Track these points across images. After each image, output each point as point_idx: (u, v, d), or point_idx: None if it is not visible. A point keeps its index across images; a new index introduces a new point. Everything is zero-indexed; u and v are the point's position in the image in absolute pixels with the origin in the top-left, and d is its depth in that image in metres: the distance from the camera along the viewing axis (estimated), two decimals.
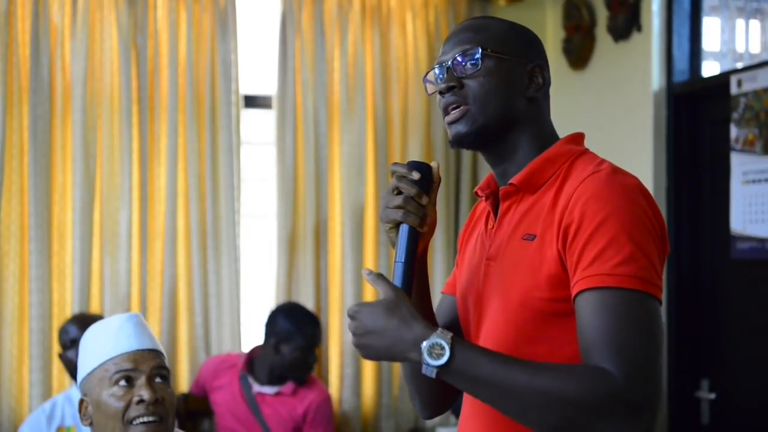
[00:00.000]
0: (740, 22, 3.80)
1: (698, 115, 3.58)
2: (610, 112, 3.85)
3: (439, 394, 1.65)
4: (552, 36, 4.25)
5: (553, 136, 1.56)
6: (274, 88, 3.91)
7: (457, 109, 1.50)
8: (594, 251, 1.33)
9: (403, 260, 1.46)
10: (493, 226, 1.53)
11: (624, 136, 3.75)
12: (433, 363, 1.30)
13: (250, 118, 3.99)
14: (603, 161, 1.47)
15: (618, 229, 1.34)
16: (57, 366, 3.55)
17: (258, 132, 4.05)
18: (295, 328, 3.48)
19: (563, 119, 4.14)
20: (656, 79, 3.64)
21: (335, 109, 3.95)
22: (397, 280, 1.45)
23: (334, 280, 3.94)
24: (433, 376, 1.30)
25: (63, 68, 3.62)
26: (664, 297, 3.65)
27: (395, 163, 1.50)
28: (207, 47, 3.78)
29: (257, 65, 4.01)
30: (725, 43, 3.75)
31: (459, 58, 1.50)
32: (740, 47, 3.78)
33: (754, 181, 3.20)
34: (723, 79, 3.38)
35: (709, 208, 3.53)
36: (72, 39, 3.61)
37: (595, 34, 3.95)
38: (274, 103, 3.91)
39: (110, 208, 3.66)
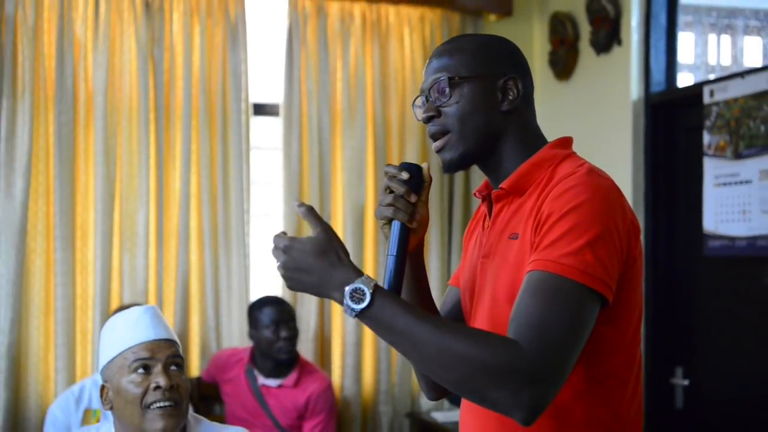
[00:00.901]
0: (712, 37, 3.82)
1: (674, 123, 3.59)
2: (593, 120, 3.86)
3: None
4: (539, 49, 4.25)
5: (539, 140, 1.53)
6: (281, 97, 3.91)
7: (440, 139, 1.49)
8: (550, 239, 1.31)
9: (394, 253, 1.46)
10: (488, 226, 1.53)
11: (605, 142, 3.76)
12: (352, 306, 1.29)
13: (258, 124, 3.99)
14: (584, 163, 1.45)
15: (576, 222, 1.31)
16: (80, 353, 3.57)
17: (266, 138, 4.04)
18: (258, 312, 3.50)
19: (550, 126, 4.14)
20: (635, 89, 3.64)
21: (338, 117, 3.95)
22: (389, 272, 1.45)
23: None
24: (352, 317, 1.30)
25: (86, 79, 3.62)
26: (644, 290, 3.66)
27: (388, 165, 1.50)
28: (219, 59, 3.78)
29: (265, 75, 4.01)
30: (698, 56, 3.76)
31: (433, 89, 1.49)
32: (712, 60, 3.79)
33: (725, 184, 3.20)
34: (696, 89, 3.38)
35: (683, 209, 3.53)
36: (94, 52, 3.61)
37: (578, 48, 3.95)
38: (281, 111, 3.91)
39: (129, 208, 3.66)
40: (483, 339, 1.27)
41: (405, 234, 1.48)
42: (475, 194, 1.59)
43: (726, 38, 3.95)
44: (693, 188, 3.41)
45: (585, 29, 3.89)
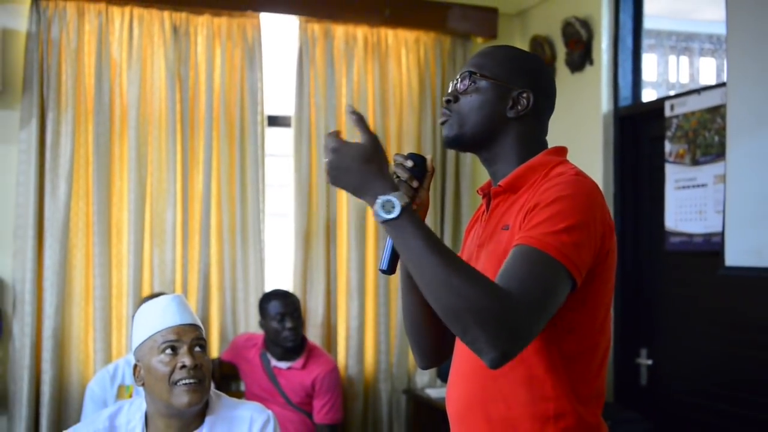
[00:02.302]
0: (672, 58, 3.83)
1: (639, 133, 3.59)
2: (567, 130, 3.85)
3: (435, 345, 1.62)
4: None
5: (538, 147, 1.52)
6: (292, 110, 3.90)
7: (446, 116, 1.52)
8: (535, 221, 1.32)
9: None
10: (485, 220, 1.53)
11: (578, 150, 3.74)
12: (381, 214, 1.27)
13: (272, 134, 3.98)
14: (574, 168, 1.45)
15: (560, 210, 1.32)
16: (116, 337, 3.58)
17: (279, 146, 4.03)
18: (266, 304, 3.47)
19: None
20: (605, 103, 3.65)
21: (343, 128, 3.94)
22: (388, 250, 1.43)
23: (342, 268, 3.93)
24: (380, 222, 1.28)
25: (121, 94, 3.62)
26: (616, 280, 3.66)
27: (397, 154, 1.50)
28: (237, 76, 3.78)
29: (279, 91, 3.99)
30: (660, 74, 3.77)
31: (458, 78, 1.52)
32: (672, 78, 3.81)
33: (684, 187, 3.21)
34: (659, 104, 3.39)
35: (647, 209, 3.54)
36: (128, 70, 3.62)
37: (555, 67, 3.95)
38: (293, 122, 3.90)
39: (158, 208, 3.66)
40: (481, 280, 1.24)
41: None
42: (477, 191, 1.59)
43: (684, 59, 3.97)
44: (656, 191, 3.42)
45: (561, 50, 3.89)
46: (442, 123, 1.52)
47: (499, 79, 1.48)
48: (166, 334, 1.90)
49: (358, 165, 1.30)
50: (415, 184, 1.48)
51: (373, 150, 1.31)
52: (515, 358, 1.26)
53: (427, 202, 1.53)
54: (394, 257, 1.43)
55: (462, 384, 1.49)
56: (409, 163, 1.48)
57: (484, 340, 1.21)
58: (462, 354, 1.50)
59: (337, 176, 1.32)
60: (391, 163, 1.46)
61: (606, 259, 1.38)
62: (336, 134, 1.34)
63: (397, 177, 1.47)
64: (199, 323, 1.99)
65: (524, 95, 1.49)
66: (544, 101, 1.53)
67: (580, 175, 1.41)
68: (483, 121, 1.49)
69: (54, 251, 3.47)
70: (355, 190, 1.31)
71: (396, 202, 1.26)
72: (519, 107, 1.49)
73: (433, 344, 1.62)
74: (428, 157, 1.51)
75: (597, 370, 1.43)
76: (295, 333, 3.44)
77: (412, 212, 1.28)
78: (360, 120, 1.33)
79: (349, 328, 3.91)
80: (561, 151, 1.54)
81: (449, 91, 1.54)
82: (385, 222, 1.27)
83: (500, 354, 1.22)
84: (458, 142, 1.52)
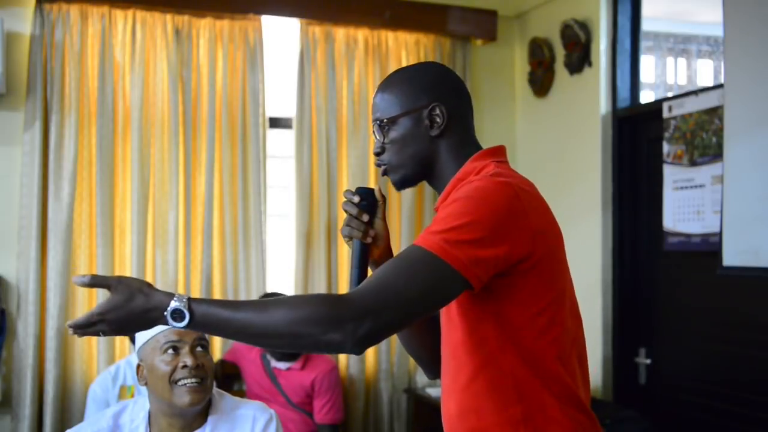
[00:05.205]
0: (670, 60, 3.83)
1: (637, 134, 3.59)
2: (567, 132, 3.87)
3: (434, 356, 1.60)
4: (519, 70, 4.27)
5: (472, 151, 1.48)
6: (293, 112, 3.90)
7: (383, 168, 1.51)
8: (431, 224, 1.32)
9: (357, 266, 1.48)
10: None
11: (578, 151, 3.77)
12: (179, 325, 1.25)
13: (273, 136, 3.98)
14: (494, 170, 1.40)
15: (451, 211, 1.30)
16: (119, 337, 3.55)
17: (280, 148, 4.03)
18: None
19: (529, 137, 4.21)
20: (603, 105, 3.65)
21: (344, 129, 3.95)
22: (353, 282, 1.46)
23: (342, 268, 3.93)
24: (186, 329, 1.28)
25: (124, 96, 3.63)
26: (609, 281, 3.65)
27: (346, 190, 1.50)
28: (239, 79, 3.78)
29: (280, 93, 4.00)
30: (658, 76, 3.77)
31: (374, 131, 1.50)
32: (670, 80, 3.81)
33: (682, 188, 3.22)
34: (657, 105, 3.39)
35: (646, 209, 3.54)
36: (131, 73, 3.62)
37: (554, 69, 3.96)
38: (294, 124, 3.91)
39: (161, 209, 3.66)
40: (300, 300, 1.25)
41: (363, 249, 1.49)
42: (435, 209, 1.58)
43: (682, 61, 3.97)
44: (654, 191, 3.43)
45: (560, 53, 3.90)
46: (384, 174, 1.51)
47: (404, 110, 1.46)
48: (168, 334, 1.91)
49: (128, 310, 1.25)
50: (365, 218, 1.49)
51: (126, 289, 1.26)
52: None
53: (385, 232, 1.53)
54: (361, 279, 1.46)
55: (444, 399, 1.50)
56: (356, 199, 1.49)
57: (334, 339, 1.22)
58: (444, 369, 1.50)
59: (125, 332, 1.28)
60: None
61: (531, 260, 1.33)
62: (91, 314, 1.26)
63: (348, 214, 1.48)
64: None
65: (436, 109, 1.46)
66: (458, 102, 1.49)
67: (495, 175, 1.37)
68: (417, 155, 1.47)
69: (57, 252, 3.47)
70: (146, 327, 1.28)
71: (180, 306, 1.24)
72: (437, 122, 1.46)
73: (431, 355, 1.62)
74: (375, 187, 1.52)
75: (562, 367, 1.39)
76: None
77: (198, 300, 1.26)
78: (92, 279, 1.28)
79: None
80: (490, 152, 1.48)
81: (375, 145, 1.51)
82: (189, 326, 1.26)
83: (354, 344, 1.22)
84: (407, 184, 1.51)
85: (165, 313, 1.25)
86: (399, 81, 1.50)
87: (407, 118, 1.47)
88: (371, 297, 1.24)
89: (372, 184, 3.95)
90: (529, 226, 1.33)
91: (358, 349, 1.24)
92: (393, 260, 1.30)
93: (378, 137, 1.50)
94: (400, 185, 1.52)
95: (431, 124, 1.46)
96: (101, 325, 1.26)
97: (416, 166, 1.48)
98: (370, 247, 1.52)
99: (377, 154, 1.51)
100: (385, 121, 1.48)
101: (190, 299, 1.26)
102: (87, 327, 1.26)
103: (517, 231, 1.31)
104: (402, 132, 1.47)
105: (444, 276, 1.27)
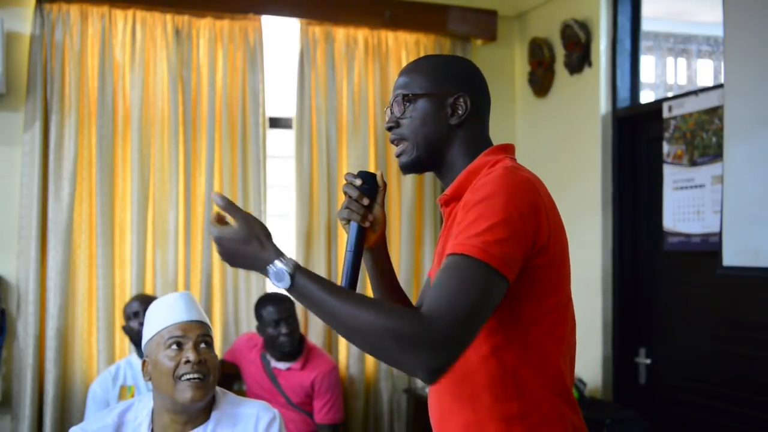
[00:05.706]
0: (670, 60, 3.84)
1: (637, 134, 3.60)
2: (567, 132, 3.88)
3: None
4: (519, 70, 4.28)
5: (484, 147, 1.50)
6: (293, 112, 3.91)
7: (399, 146, 1.51)
8: (463, 225, 1.31)
9: (351, 249, 1.49)
10: (443, 228, 1.53)
11: (578, 151, 3.78)
12: (278, 284, 1.30)
13: (273, 136, 3.98)
14: (508, 164, 1.41)
15: (481, 212, 1.30)
16: (119, 337, 3.57)
17: (280, 147, 4.04)
18: (262, 310, 3.43)
19: (529, 136, 4.22)
20: (603, 104, 3.66)
21: (344, 129, 3.95)
22: (347, 264, 1.47)
23: (342, 268, 3.94)
24: (284, 291, 1.32)
25: (124, 96, 3.63)
26: (609, 281, 3.66)
27: (347, 173, 1.51)
28: (239, 79, 3.78)
29: (280, 93, 4.00)
30: (658, 76, 3.78)
31: (394, 103, 1.50)
32: (670, 80, 3.82)
33: (682, 188, 3.22)
34: (657, 105, 3.40)
35: (646, 209, 3.55)
36: (131, 73, 3.62)
37: (554, 69, 3.97)
38: (294, 124, 3.91)
39: (161, 209, 3.67)
40: (390, 311, 1.26)
41: (360, 232, 1.50)
42: (437, 201, 1.60)
43: (682, 61, 3.99)
44: (654, 191, 3.43)
45: (560, 53, 3.91)
46: (398, 154, 1.51)
47: (430, 91, 1.47)
48: (172, 330, 1.92)
49: (240, 248, 1.34)
50: (365, 201, 1.50)
51: (247, 230, 1.34)
52: (457, 364, 1.26)
53: (382, 218, 1.54)
54: (355, 266, 1.48)
55: (435, 393, 1.50)
56: (358, 182, 1.50)
57: (412, 363, 1.23)
58: None
59: (230, 261, 1.37)
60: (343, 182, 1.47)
61: (545, 254, 1.35)
62: (215, 220, 1.38)
63: (348, 196, 1.49)
64: (207, 320, 2.00)
65: (460, 99, 1.47)
66: (481, 99, 1.51)
67: (508, 169, 1.38)
68: (431, 138, 1.48)
69: (57, 252, 3.47)
70: (249, 268, 1.36)
71: (283, 270, 1.30)
72: (459, 112, 1.47)
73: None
74: (378, 173, 1.53)
75: (562, 364, 1.41)
76: (291, 338, 3.40)
77: (304, 271, 1.31)
78: (227, 204, 1.36)
79: None
80: (502, 149, 1.51)
81: (387, 119, 1.52)
82: (286, 289, 1.30)
83: (430, 373, 1.23)
84: (416, 168, 1.51)
85: (268, 267, 1.31)
86: (431, 65, 1.52)
87: (431, 100, 1.48)
88: (447, 323, 1.22)
89: None
90: (548, 223, 1.35)
91: (432, 379, 1.24)
92: (451, 274, 1.27)
93: (395, 111, 1.50)
94: (410, 167, 1.51)
95: (453, 112, 1.48)
96: (217, 244, 1.36)
97: (429, 150, 1.49)
98: (367, 232, 1.52)
99: (390, 129, 1.51)
100: (409, 95, 1.48)
101: (297, 266, 1.31)
102: (211, 228, 1.37)
103: (539, 226, 1.33)
104: (422, 111, 1.48)
105: (492, 280, 1.27)
